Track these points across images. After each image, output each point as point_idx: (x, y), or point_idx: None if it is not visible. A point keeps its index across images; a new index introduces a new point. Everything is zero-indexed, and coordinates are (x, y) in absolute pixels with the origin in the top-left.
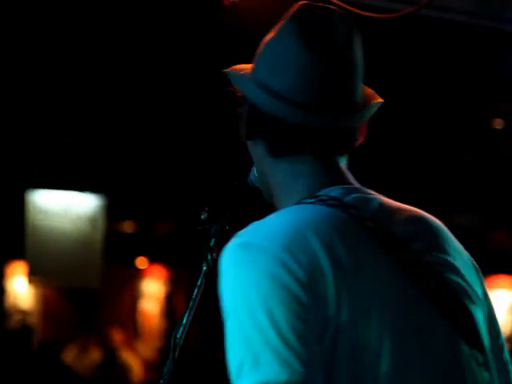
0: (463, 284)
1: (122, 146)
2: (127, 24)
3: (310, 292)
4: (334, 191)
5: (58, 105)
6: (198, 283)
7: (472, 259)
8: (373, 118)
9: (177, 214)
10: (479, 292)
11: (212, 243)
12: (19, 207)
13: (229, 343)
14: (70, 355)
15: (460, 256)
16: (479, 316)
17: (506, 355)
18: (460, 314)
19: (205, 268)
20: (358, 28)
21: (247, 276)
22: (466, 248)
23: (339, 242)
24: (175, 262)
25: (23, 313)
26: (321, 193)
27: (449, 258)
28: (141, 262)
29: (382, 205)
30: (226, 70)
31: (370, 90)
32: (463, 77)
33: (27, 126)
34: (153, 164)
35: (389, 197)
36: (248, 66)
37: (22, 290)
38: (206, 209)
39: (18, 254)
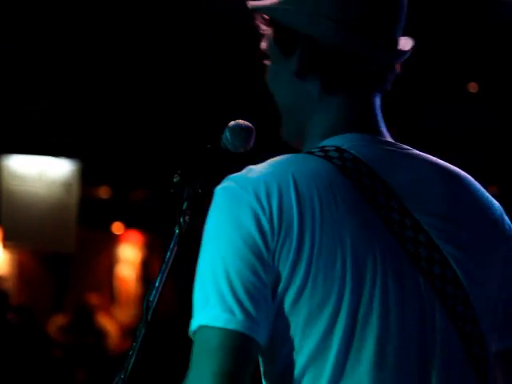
0: (455, 253)
1: (97, 111)
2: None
3: (273, 247)
4: (345, 138)
5: (33, 70)
6: (171, 246)
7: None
8: None
9: (153, 179)
10: (483, 267)
11: (184, 206)
12: None
13: (195, 280)
14: (53, 326)
15: (473, 222)
16: (475, 293)
17: None
18: (445, 282)
19: (177, 231)
20: None
21: (217, 219)
22: None
23: (320, 201)
24: (151, 227)
25: None
26: (333, 139)
27: (449, 223)
28: (117, 228)
29: (386, 158)
30: (263, 6)
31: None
32: (439, 40)
33: (0, 92)
34: (128, 129)
35: None
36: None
37: None
38: (179, 172)
39: None
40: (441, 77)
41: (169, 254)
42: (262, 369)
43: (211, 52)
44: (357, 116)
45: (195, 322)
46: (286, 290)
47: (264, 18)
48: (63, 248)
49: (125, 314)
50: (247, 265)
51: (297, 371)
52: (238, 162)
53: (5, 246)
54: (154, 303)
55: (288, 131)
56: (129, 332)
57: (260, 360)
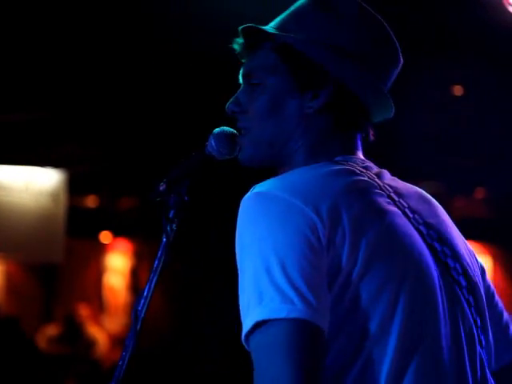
0: (465, 265)
1: (83, 121)
2: None
3: (324, 239)
4: (352, 159)
5: (18, 79)
6: (159, 255)
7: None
8: None
9: (140, 187)
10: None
11: (171, 214)
12: None
13: (240, 286)
14: (42, 337)
15: (460, 240)
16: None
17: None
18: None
19: (165, 240)
20: None
21: (263, 222)
22: None
23: (358, 200)
24: (139, 235)
25: None
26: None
27: (453, 242)
28: (104, 237)
29: (391, 178)
30: (295, 39)
31: None
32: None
33: None
34: (114, 137)
35: None
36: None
37: None
38: (164, 180)
39: None
40: (425, 80)
41: (157, 262)
42: None
43: (197, 62)
44: (357, 149)
45: (250, 321)
46: (347, 276)
47: (282, 50)
48: (51, 258)
49: (114, 323)
50: (302, 255)
51: (353, 358)
52: (222, 169)
53: None
54: (143, 312)
55: (257, 158)
56: (118, 341)
57: None
